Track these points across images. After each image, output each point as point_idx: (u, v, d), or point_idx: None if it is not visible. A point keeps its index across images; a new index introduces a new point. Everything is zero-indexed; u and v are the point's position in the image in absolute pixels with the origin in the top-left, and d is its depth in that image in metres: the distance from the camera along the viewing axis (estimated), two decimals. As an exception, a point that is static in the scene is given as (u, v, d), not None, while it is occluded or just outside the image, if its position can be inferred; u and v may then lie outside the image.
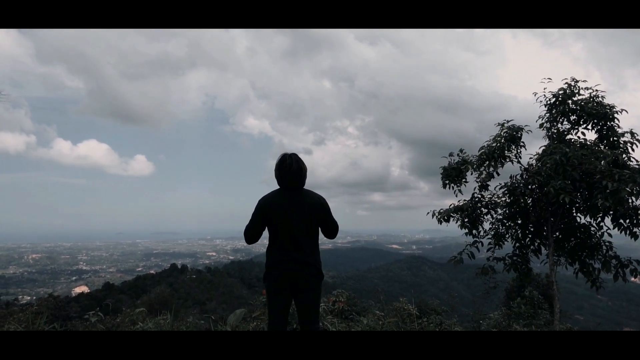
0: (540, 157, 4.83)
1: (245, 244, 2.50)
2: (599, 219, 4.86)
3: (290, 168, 2.36)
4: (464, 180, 5.31)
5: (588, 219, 4.99)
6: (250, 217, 2.41)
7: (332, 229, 2.48)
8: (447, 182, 5.35)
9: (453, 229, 5.67)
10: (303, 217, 2.36)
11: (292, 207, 2.36)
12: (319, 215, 2.41)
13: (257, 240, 2.48)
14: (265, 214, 2.37)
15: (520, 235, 5.26)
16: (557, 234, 5.14)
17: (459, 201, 5.47)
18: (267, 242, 2.44)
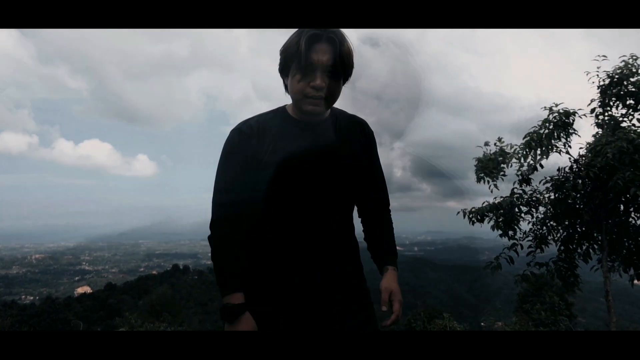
0: (594, 147, 4.17)
1: None
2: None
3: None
4: (502, 173, 4.64)
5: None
6: None
7: None
8: (482, 175, 4.69)
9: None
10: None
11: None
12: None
13: None
14: None
15: (566, 237, 4.59)
16: (607, 236, 4.49)
17: (494, 198, 4.82)
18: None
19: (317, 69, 1.07)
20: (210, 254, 1.13)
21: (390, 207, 1.31)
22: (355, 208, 1.27)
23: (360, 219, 1.31)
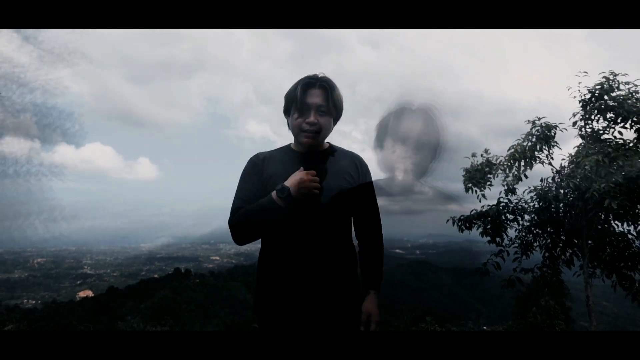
0: (575, 158, 4.39)
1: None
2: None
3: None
4: (489, 183, 4.86)
5: (625, 226, 4.54)
6: None
7: None
8: (470, 185, 4.91)
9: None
10: None
11: None
12: None
13: None
14: None
15: (550, 244, 4.80)
16: (590, 242, 4.69)
17: (482, 207, 5.04)
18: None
19: (311, 108, 1.31)
20: (236, 234, 1.32)
21: (382, 232, 1.45)
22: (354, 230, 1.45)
23: (357, 240, 1.46)
